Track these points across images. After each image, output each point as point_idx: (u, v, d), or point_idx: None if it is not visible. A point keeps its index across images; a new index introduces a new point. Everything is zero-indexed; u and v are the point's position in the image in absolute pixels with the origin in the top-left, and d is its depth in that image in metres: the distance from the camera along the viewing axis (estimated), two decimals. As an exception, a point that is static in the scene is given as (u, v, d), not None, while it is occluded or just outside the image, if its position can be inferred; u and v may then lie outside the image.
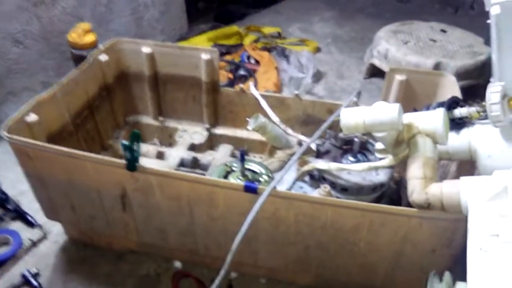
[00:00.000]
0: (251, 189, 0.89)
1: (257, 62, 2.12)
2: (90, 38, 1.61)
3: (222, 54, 2.17)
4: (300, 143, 1.37)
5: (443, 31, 2.12)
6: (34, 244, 1.28)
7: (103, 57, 1.40)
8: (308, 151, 1.12)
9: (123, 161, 0.96)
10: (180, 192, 0.98)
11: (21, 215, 1.36)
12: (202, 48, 1.48)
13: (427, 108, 1.00)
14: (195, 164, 1.40)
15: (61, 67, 1.82)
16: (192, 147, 1.48)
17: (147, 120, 1.59)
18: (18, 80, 1.71)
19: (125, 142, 0.91)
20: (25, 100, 1.72)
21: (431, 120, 0.86)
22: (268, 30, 2.47)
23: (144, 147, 1.48)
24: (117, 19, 2.03)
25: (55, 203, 1.16)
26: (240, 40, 2.34)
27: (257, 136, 1.42)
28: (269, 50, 2.25)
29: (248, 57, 2.16)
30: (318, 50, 2.37)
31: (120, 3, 2.02)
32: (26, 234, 1.30)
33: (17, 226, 1.34)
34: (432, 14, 2.68)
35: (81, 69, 1.33)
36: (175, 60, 1.47)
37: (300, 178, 1.14)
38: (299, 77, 1.99)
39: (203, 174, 1.33)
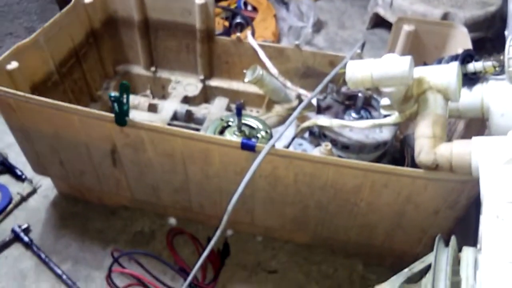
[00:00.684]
0: (248, 147, 0.84)
1: (255, 9, 2.00)
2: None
3: (217, 0, 2.04)
4: (299, 97, 1.31)
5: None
6: (23, 198, 1.25)
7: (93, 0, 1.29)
8: (308, 106, 1.06)
9: (112, 115, 0.90)
10: (173, 149, 0.92)
11: (8, 169, 1.31)
12: (195, -8, 1.37)
13: (439, 62, 0.93)
14: (189, 117, 1.34)
15: (44, 10, 1.70)
16: (186, 100, 1.41)
17: (138, 70, 1.50)
18: (5, 24, 1.60)
19: (114, 94, 0.84)
20: (8, 46, 1.63)
21: (444, 74, 0.80)
22: (266, -26, 2.31)
23: (135, 99, 1.41)
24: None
25: (43, 157, 1.10)
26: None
27: (254, 89, 1.35)
28: (267, -4, 2.12)
29: (245, 4, 2.03)
30: (319, -3, 2.25)
31: None
32: (15, 188, 1.27)
33: (5, 179, 1.30)
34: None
35: (64, 12, 1.23)
36: (167, 4, 1.36)
37: (299, 134, 1.09)
38: (298, 26, 1.89)
39: (198, 129, 1.28)
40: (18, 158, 1.31)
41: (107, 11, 1.38)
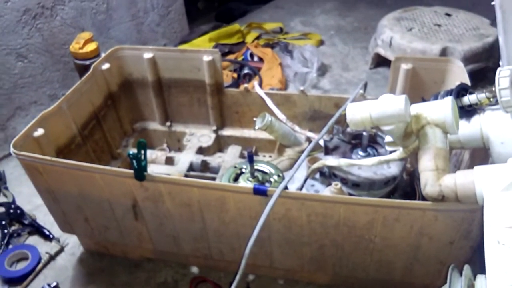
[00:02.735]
0: (260, 192, 0.88)
1: (261, 59, 2.11)
2: (91, 47, 1.62)
3: (224, 54, 2.16)
4: (309, 140, 1.36)
5: (448, 14, 2.08)
6: (52, 257, 1.29)
7: (105, 66, 1.41)
8: (317, 147, 1.11)
9: (131, 171, 0.96)
10: (190, 199, 0.97)
11: (37, 229, 1.37)
12: (203, 50, 1.47)
13: (435, 97, 0.97)
14: (204, 167, 1.40)
15: (66, 78, 1.83)
16: (201, 150, 1.47)
17: (154, 126, 1.59)
18: (24, 94, 1.72)
19: (131, 152, 0.90)
20: (33, 114, 1.75)
21: (440, 109, 0.84)
22: (269, 26, 2.46)
23: (153, 154, 1.48)
24: (118, 26, 2.04)
25: (69, 216, 1.16)
26: (242, 38, 2.33)
27: (265, 135, 1.41)
28: (271, 46, 2.24)
29: (251, 55, 2.15)
30: (321, 43, 2.35)
31: (120, 9, 2.02)
32: (44, 247, 1.31)
33: (34, 240, 1.35)
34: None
35: (84, 79, 1.34)
36: (177, 64, 1.47)
37: (310, 176, 1.13)
38: (304, 72, 1.97)
39: (213, 177, 1.33)
40: (46, 219, 1.37)
41: (123, 75, 1.49)
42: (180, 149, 1.54)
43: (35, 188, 1.13)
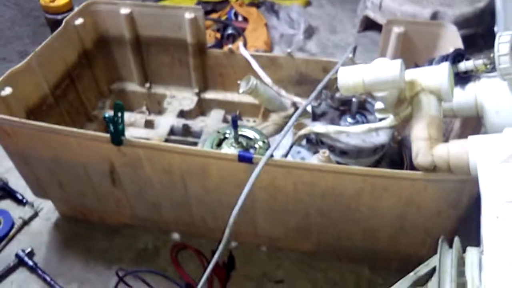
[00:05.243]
0: (246, 159, 0.84)
1: (245, 19, 2.01)
2: (63, 0, 1.50)
3: (207, 12, 2.06)
4: (295, 105, 1.31)
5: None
6: (25, 222, 1.24)
7: (79, 21, 1.30)
8: (303, 113, 1.07)
9: (108, 135, 0.90)
10: (171, 165, 0.92)
11: (9, 193, 1.31)
12: (185, 6, 1.37)
13: (430, 63, 0.93)
14: (186, 131, 1.34)
15: (36, 34, 1.71)
16: (182, 114, 1.41)
17: (133, 87, 1.51)
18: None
19: (108, 115, 0.84)
20: (1, 71, 1.63)
21: (436, 76, 0.80)
22: (255, -16, 2.33)
23: (132, 116, 1.42)
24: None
25: (42, 181, 1.10)
26: (226, -4, 2.21)
27: (249, 99, 1.35)
28: (257, 5, 2.13)
29: (236, 14, 2.05)
30: (308, 3, 2.25)
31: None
32: (16, 212, 1.26)
33: (6, 204, 1.30)
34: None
35: (56, 35, 1.24)
36: (157, 21, 1.37)
37: (296, 142, 1.09)
38: (290, 34, 1.90)
39: (195, 142, 1.28)
40: (18, 182, 1.30)
41: (98, 31, 1.39)
42: (160, 112, 1.47)
43: (5, 150, 1.06)
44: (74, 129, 0.94)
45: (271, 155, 0.86)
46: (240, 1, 2.14)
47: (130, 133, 1.31)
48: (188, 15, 1.32)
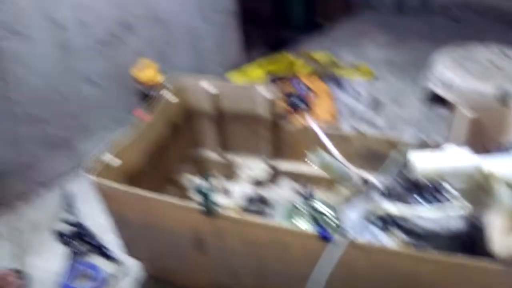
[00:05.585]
0: (326, 238, 0.90)
1: (311, 90, 2.14)
2: (152, 73, 1.72)
3: (275, 82, 2.21)
4: (363, 180, 1.37)
5: (505, 53, 2.04)
6: (115, 280, 1.34)
7: (172, 99, 1.49)
8: (372, 188, 1.12)
9: (198, 206, 1.00)
10: (254, 237, 1.01)
11: (101, 250, 1.43)
12: (261, 85, 1.52)
13: (502, 150, 0.97)
14: (259, 200, 1.44)
15: (129, 102, 1.92)
16: (255, 182, 1.51)
17: (210, 154, 1.65)
18: (91, 116, 1.83)
19: (201, 189, 0.95)
20: (98, 135, 1.85)
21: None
22: (320, 56, 2.49)
23: (205, 182, 1.54)
24: (177, 54, 2.14)
25: (134, 241, 1.22)
26: (292, 67, 2.38)
27: (318, 171, 1.43)
28: (322, 77, 2.27)
29: (302, 86, 2.18)
30: (373, 76, 2.35)
31: (181, 39, 2.13)
32: (107, 268, 1.36)
33: (97, 260, 1.40)
34: (490, 32, 2.59)
35: (154, 112, 1.41)
36: (237, 97, 1.53)
37: (367, 218, 1.14)
38: (355, 106, 1.99)
39: (268, 212, 1.36)
40: (110, 239, 1.40)
41: (186, 106, 1.57)
42: (234, 178, 1.58)
43: (105, 211, 1.20)
44: (168, 198, 1.06)
45: (346, 233, 0.91)
46: (307, 73, 2.29)
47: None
48: (264, 93, 1.47)
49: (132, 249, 1.25)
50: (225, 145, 1.63)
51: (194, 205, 1.03)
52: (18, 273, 1.34)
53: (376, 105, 2.08)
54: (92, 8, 1.71)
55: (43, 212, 1.61)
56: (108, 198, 1.13)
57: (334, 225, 1.15)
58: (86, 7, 1.69)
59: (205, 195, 0.96)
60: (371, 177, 1.33)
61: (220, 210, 1.00)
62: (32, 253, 1.44)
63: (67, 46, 1.68)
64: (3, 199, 1.62)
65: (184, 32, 2.13)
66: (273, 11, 2.91)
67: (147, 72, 1.75)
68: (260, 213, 1.26)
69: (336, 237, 0.90)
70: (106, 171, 1.18)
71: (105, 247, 1.43)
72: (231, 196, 1.46)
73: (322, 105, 2.00)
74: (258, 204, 1.42)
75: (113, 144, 1.24)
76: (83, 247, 1.44)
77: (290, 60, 2.40)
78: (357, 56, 2.59)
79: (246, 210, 1.37)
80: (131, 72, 1.75)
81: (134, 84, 1.77)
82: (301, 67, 2.37)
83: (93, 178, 1.08)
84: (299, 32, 2.92)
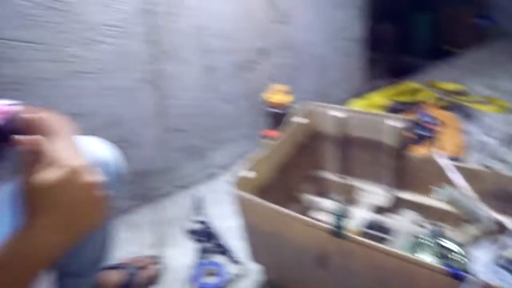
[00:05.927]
0: (458, 277, 0.91)
1: (437, 120, 2.09)
2: (283, 97, 1.86)
3: (399, 111, 2.21)
4: (495, 221, 1.32)
5: None
6: (236, 279, 1.47)
7: (300, 120, 1.60)
8: (504, 231, 1.08)
9: (328, 226, 1.09)
10: (380, 263, 1.05)
11: (225, 250, 1.59)
12: (388, 115, 1.56)
13: None
14: (380, 227, 1.46)
15: (256, 121, 2.11)
16: (374, 208, 1.54)
17: (330, 176, 1.73)
18: (223, 132, 2.05)
19: (338, 213, 1.03)
20: (228, 149, 2.06)
21: None
22: (448, 86, 2.42)
23: (327, 202, 1.61)
24: (305, 78, 2.27)
25: (259, 247, 1.35)
26: (417, 96, 2.35)
27: (443, 205, 1.41)
28: (450, 108, 2.20)
29: (428, 115, 2.14)
30: (506, 109, 2.21)
31: (309, 65, 2.26)
32: (229, 268, 1.50)
33: (221, 259, 1.54)
34: None
35: (283, 132, 1.54)
36: (362, 124, 1.58)
37: (497, 262, 1.11)
38: (485, 141, 1.90)
39: (389, 240, 1.38)
40: (233, 241, 1.55)
41: (312, 128, 1.67)
42: (354, 203, 1.63)
43: (238, 218, 1.34)
44: (299, 215, 1.16)
45: (475, 275, 0.91)
46: (434, 103, 2.24)
47: (325, 217, 1.50)
48: (391, 123, 1.50)
49: (256, 254, 1.37)
50: (346, 169, 1.70)
51: (323, 225, 1.12)
52: (156, 259, 1.55)
53: (509, 141, 1.96)
54: (236, 37, 1.93)
55: (178, 210, 1.83)
56: (244, 208, 1.27)
57: (462, 264, 1.14)
58: (230, 36, 1.91)
59: (338, 217, 1.04)
60: (504, 219, 1.28)
61: (348, 233, 1.07)
62: (167, 245, 1.65)
63: (211, 68, 1.91)
64: (147, 195, 1.89)
65: (313, 59, 2.26)
66: (398, 38, 2.90)
67: (278, 96, 1.90)
68: (380, 239, 1.29)
69: (469, 277, 0.90)
70: (243, 182, 1.33)
71: (229, 248, 1.58)
72: (350, 219, 1.51)
73: (449, 137, 1.94)
74: (378, 230, 1.45)
75: (249, 159, 1.39)
76: (210, 246, 1.61)
77: (415, 88, 2.37)
78: (488, 87, 2.45)
79: (366, 234, 1.41)
80: (263, 95, 1.91)
81: (264, 106, 1.94)
82: (427, 96, 2.32)
83: (233, 189, 1.23)
84: (425, 59, 2.87)
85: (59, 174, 0.52)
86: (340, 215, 1.03)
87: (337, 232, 1.06)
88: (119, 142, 1.21)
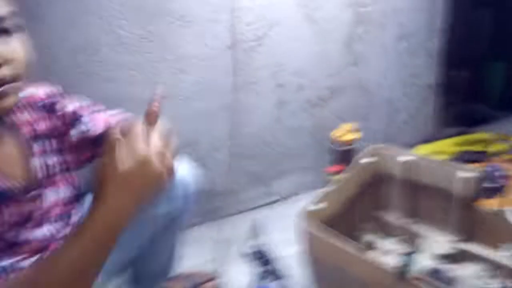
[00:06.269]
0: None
1: (508, 174, 2.03)
2: (351, 136, 1.91)
3: (468, 161, 2.16)
4: None
5: None
6: None
7: (369, 160, 1.64)
8: None
9: (395, 269, 1.11)
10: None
11: (281, 276, 1.62)
12: (459, 165, 1.55)
13: None
14: (440, 275, 1.45)
15: (320, 156, 2.16)
16: (438, 256, 1.53)
17: (392, 218, 1.73)
18: (287, 162, 2.12)
19: (406, 257, 1.05)
20: (290, 179, 2.13)
21: None
22: (521, 141, 2.34)
23: (389, 244, 1.62)
24: (374, 119, 2.30)
25: (322, 282, 1.38)
26: (488, 147, 2.29)
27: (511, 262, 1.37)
28: (521, 163, 2.13)
29: (498, 168, 2.08)
30: None
31: (378, 108, 2.30)
32: None
33: (276, 284, 1.58)
34: None
35: (350, 170, 1.59)
36: (431, 171, 1.59)
37: None
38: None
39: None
40: (290, 268, 1.59)
41: (378, 169, 1.70)
42: (414, 248, 1.62)
43: (304, 251, 1.39)
44: (367, 256, 1.19)
45: None
46: (504, 155, 2.18)
47: (386, 259, 1.51)
48: (461, 174, 1.49)
49: (318, 284, 1.40)
50: (409, 213, 1.70)
51: (389, 266, 1.14)
52: (215, 276, 1.62)
53: None
54: (310, 75, 2.03)
55: (237, 232, 1.89)
56: (311, 240, 1.32)
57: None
58: (305, 74, 2.01)
59: (405, 260, 1.06)
60: None
61: (412, 277, 1.08)
62: (225, 263, 1.72)
63: (283, 102, 2.01)
64: (210, 213, 1.99)
65: (384, 102, 2.30)
66: (471, 86, 2.86)
67: (347, 135, 1.96)
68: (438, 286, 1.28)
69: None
70: (311, 214, 1.38)
71: (281, 275, 1.61)
72: (416, 264, 1.50)
73: (519, 193, 1.88)
74: (441, 280, 1.43)
75: (318, 192, 1.45)
76: (267, 270, 1.66)
77: (485, 139, 2.32)
78: None
79: (429, 282, 1.40)
80: (332, 134, 1.97)
81: (332, 143, 1.99)
82: (498, 148, 2.27)
83: (301, 220, 1.29)
84: (497, 109, 2.79)
85: (132, 162, 0.69)
86: (407, 259, 1.05)
87: (403, 275, 1.08)
88: (192, 161, 1.32)
